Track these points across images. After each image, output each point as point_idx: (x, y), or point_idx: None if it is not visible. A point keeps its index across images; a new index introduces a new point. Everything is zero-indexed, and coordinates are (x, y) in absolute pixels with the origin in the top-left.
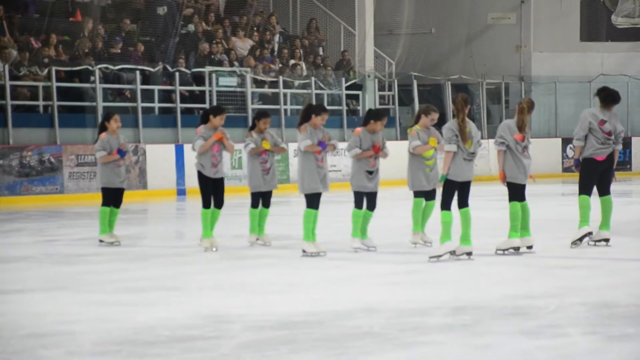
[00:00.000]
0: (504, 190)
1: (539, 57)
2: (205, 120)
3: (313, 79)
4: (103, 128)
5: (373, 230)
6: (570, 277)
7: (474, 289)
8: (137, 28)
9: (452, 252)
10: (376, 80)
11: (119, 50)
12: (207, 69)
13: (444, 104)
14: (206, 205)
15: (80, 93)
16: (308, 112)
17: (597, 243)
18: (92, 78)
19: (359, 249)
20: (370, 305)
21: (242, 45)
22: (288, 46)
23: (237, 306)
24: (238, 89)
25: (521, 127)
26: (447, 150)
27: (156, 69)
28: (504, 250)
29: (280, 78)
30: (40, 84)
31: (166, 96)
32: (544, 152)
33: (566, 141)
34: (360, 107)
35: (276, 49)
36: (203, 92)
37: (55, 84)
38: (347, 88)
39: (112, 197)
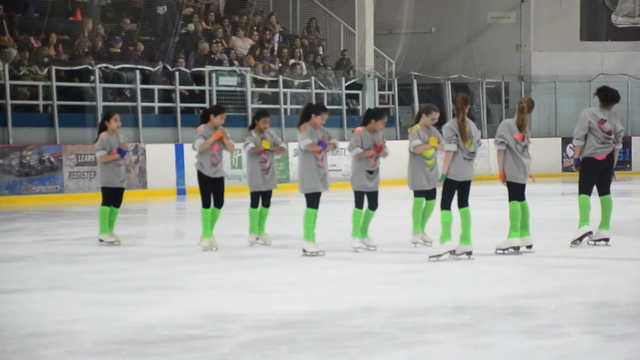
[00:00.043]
0: (504, 189)
1: (539, 56)
2: (205, 119)
3: (313, 78)
4: (103, 127)
5: (373, 229)
6: (570, 277)
7: (474, 289)
8: (137, 27)
9: (452, 252)
10: (376, 79)
11: (119, 50)
12: (207, 68)
13: (444, 104)
14: (206, 204)
15: (80, 92)
16: (308, 112)
17: (596, 242)
18: (92, 77)
19: (360, 248)
20: (370, 305)
21: (242, 44)
22: (288, 45)
23: (237, 306)
24: (238, 89)
25: (521, 127)
26: (447, 150)
27: (156, 68)
28: (503, 249)
29: (280, 77)
30: (40, 84)
31: (166, 96)
32: (544, 151)
33: (566, 141)
34: (360, 107)
35: (276, 48)
36: (203, 91)
37: (55, 84)
38: (347, 87)
39: (112, 197)
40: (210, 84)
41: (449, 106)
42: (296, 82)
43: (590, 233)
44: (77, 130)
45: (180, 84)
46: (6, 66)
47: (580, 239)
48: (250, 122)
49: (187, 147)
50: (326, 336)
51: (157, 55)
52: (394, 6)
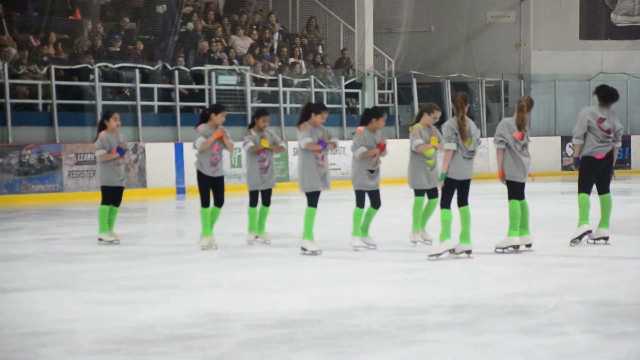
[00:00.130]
0: (504, 188)
1: (539, 55)
2: (204, 119)
3: (312, 77)
4: (102, 126)
5: (372, 228)
6: (570, 276)
7: (474, 287)
8: (137, 26)
9: (452, 251)
10: (376, 78)
11: (119, 49)
12: (207, 67)
13: (444, 103)
14: (205, 204)
15: (79, 91)
16: (308, 111)
17: (596, 241)
18: (91, 76)
19: (360, 247)
20: (370, 304)
21: (242, 43)
22: (287, 44)
23: (236, 305)
24: (237, 88)
25: (521, 126)
26: (447, 149)
27: (155, 67)
28: (503, 248)
29: (280, 76)
30: (40, 83)
31: (165, 94)
32: (544, 150)
33: (565, 139)
34: (359, 106)
35: (276, 47)
36: (202, 90)
37: (54, 83)
38: (347, 86)
39: (112, 196)
40: (209, 82)
41: (449, 105)
42: (296, 81)
43: (589, 232)
44: (77, 129)
45: (180, 82)
46: (5, 65)
47: (580, 237)
48: (249, 121)
49: (187, 146)
50: (326, 335)
51: (156, 54)
52: (393, 5)
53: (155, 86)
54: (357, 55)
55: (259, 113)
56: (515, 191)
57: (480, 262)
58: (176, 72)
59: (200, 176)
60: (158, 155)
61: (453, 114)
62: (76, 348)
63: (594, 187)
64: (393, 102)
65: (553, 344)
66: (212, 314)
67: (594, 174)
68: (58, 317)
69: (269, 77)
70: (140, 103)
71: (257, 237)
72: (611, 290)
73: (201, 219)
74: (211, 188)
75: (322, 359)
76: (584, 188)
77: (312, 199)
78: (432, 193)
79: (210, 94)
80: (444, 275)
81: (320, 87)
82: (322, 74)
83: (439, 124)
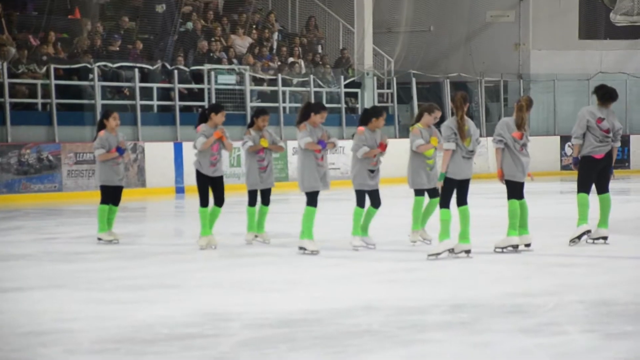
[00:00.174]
0: (503, 188)
1: (538, 55)
2: (203, 119)
3: (312, 76)
4: (102, 126)
5: (372, 228)
6: (569, 275)
7: (473, 287)
8: (136, 26)
9: (451, 250)
10: (375, 78)
11: (118, 48)
12: (206, 66)
13: (443, 102)
14: (204, 203)
15: (78, 91)
16: (307, 111)
17: (595, 241)
18: (90, 76)
19: (360, 247)
20: (370, 303)
21: (241, 43)
22: (287, 44)
23: (236, 304)
24: (237, 87)
25: (520, 125)
26: (446, 149)
27: (155, 66)
28: (502, 248)
29: (279, 76)
30: (39, 82)
31: (165, 94)
32: (543, 150)
33: (565, 139)
34: (359, 105)
35: (275, 46)
36: (202, 90)
37: (53, 82)
38: (346, 86)
39: (111, 195)
40: (209, 82)
41: (448, 105)
42: (295, 80)
43: (589, 231)
44: (76, 129)
45: (179, 82)
46: (5, 64)
47: (579, 237)
48: (249, 120)
49: (186, 146)
50: (325, 335)
51: (156, 53)
52: (393, 5)
53: (155, 85)
54: (356, 55)
55: (258, 112)
56: (515, 191)
57: (479, 262)
58: (175, 71)
59: (200, 176)
60: (157, 154)
61: (452, 114)
62: (75, 347)
63: (593, 186)
64: (392, 101)
65: (552, 344)
66: (212, 314)
67: (593, 173)
68: (57, 317)
69: (268, 77)
70: (139, 102)
71: (256, 236)
72: (610, 290)
73: (200, 219)
74: (211, 188)
75: (321, 359)
76: (583, 188)
77: (312, 198)
78: (433, 192)
79: (209, 93)
80: (444, 275)
81: (320, 86)
82: (322, 74)
83: (438, 124)
